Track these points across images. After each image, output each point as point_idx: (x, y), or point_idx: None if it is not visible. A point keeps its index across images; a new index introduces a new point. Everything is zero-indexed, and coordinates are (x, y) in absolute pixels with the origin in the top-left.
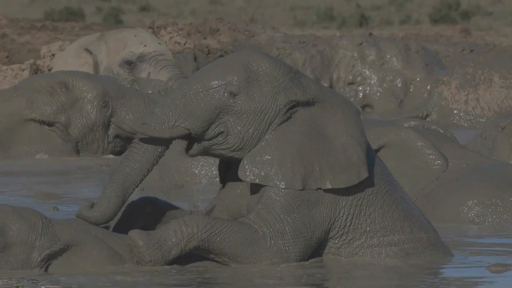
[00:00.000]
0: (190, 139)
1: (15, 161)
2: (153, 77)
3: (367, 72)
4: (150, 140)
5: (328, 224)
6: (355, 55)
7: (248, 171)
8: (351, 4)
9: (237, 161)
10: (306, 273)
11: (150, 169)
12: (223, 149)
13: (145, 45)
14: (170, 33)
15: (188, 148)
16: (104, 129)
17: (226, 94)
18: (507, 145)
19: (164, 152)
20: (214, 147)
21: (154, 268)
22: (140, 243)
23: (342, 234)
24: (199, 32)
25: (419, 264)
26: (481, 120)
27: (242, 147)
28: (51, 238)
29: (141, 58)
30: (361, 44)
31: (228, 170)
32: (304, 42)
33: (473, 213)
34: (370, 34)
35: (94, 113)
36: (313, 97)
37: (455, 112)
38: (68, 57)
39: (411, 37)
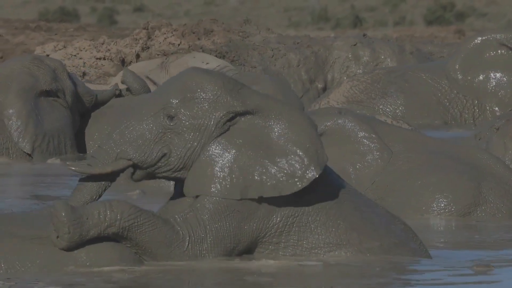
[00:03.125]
0: (134, 166)
1: None
2: None
3: (362, 73)
4: (95, 178)
5: (256, 238)
6: (350, 56)
7: (189, 186)
8: (346, 5)
9: (181, 180)
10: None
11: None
12: (166, 171)
13: (207, 63)
14: (165, 33)
15: (132, 175)
16: None
17: (164, 118)
18: (501, 146)
19: (110, 185)
20: (157, 170)
21: (151, 266)
22: (63, 214)
23: (273, 250)
24: (194, 33)
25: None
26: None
27: (183, 166)
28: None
29: None
30: (355, 45)
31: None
32: (298, 43)
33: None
34: (364, 35)
35: None
36: (254, 107)
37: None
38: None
39: (405, 38)
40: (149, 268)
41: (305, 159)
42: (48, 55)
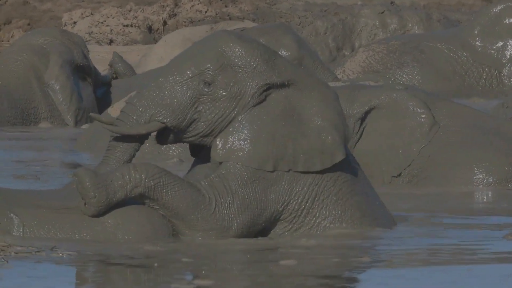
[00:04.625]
0: (164, 130)
1: None
2: None
3: (376, 42)
4: (126, 138)
5: (281, 205)
6: (377, 23)
7: (220, 151)
8: None
9: (205, 145)
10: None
11: (129, 160)
12: (193, 135)
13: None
14: (192, 1)
15: (158, 136)
16: None
17: (200, 84)
18: None
19: (140, 147)
20: (185, 135)
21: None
22: (86, 180)
23: (293, 218)
24: (221, 0)
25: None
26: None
27: (211, 132)
28: None
29: None
30: (382, 12)
31: (200, 148)
32: (325, 10)
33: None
34: (392, 3)
35: None
36: (289, 79)
37: None
38: (173, 47)
39: (433, 6)
40: (179, 244)
41: (337, 137)
42: (75, 22)
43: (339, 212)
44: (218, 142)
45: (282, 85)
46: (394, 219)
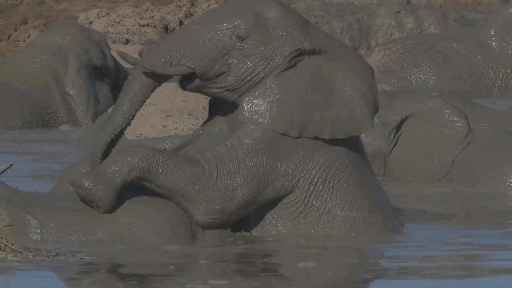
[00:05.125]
0: (190, 76)
1: None
2: None
3: (392, 42)
4: (150, 75)
5: (291, 181)
6: (393, 23)
7: (246, 112)
8: None
9: (227, 101)
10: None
11: (142, 103)
12: (219, 87)
13: None
14: (208, 0)
15: (182, 81)
16: None
17: (233, 37)
18: None
19: (155, 88)
20: (211, 85)
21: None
22: (84, 181)
23: (303, 198)
24: None
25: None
26: None
27: (237, 87)
28: None
29: None
30: (399, 12)
31: (217, 106)
32: (342, 10)
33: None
34: (408, 2)
35: None
36: (320, 47)
37: None
38: None
39: (449, 5)
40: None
41: (366, 108)
42: (91, 22)
43: (349, 199)
44: (245, 103)
45: (313, 52)
46: (397, 213)
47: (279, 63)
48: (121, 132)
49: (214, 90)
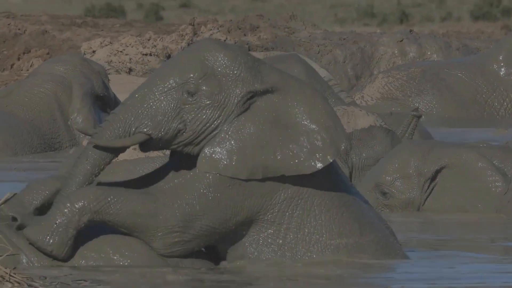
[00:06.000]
0: (148, 139)
1: None
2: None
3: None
4: (106, 148)
5: (257, 215)
6: (396, 52)
7: (207, 162)
8: (392, 1)
9: (188, 153)
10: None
11: (96, 176)
12: (177, 143)
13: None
14: (211, 29)
15: (141, 145)
16: None
17: (184, 94)
18: None
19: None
20: (169, 143)
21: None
22: (36, 239)
23: (283, 233)
24: (239, 29)
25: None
26: None
27: (194, 140)
28: None
29: None
30: (401, 41)
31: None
32: (344, 39)
33: None
34: (410, 31)
35: None
36: (272, 86)
37: None
38: None
39: (452, 34)
40: (205, 275)
41: (327, 139)
42: (94, 51)
43: (338, 227)
44: (204, 154)
45: (266, 92)
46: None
47: (232, 109)
48: None
49: (173, 146)
